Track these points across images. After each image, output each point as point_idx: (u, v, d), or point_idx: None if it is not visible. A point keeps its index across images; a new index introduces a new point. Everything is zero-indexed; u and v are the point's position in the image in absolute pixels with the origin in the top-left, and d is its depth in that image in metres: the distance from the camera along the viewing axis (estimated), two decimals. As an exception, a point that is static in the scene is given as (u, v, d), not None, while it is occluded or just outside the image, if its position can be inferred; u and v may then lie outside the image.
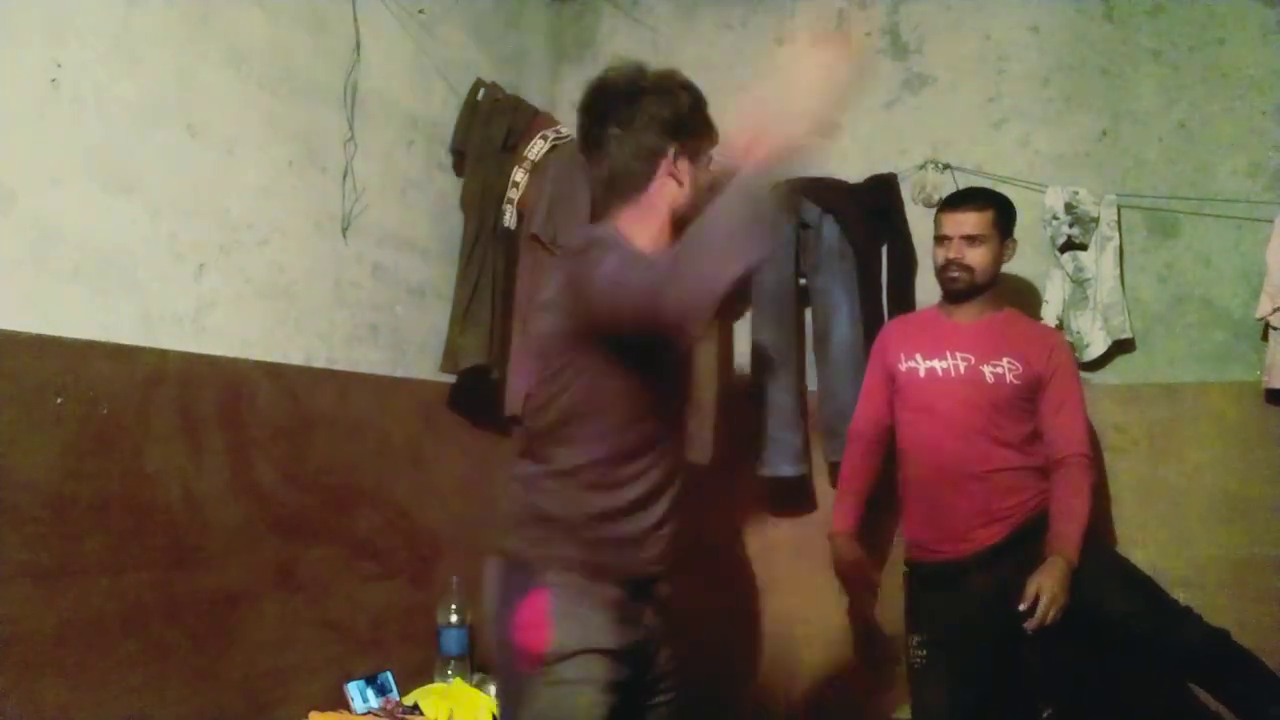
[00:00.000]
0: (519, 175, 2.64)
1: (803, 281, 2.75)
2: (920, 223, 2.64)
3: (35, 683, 1.54)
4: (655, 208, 1.55)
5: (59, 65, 1.62)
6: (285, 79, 2.10)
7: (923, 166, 2.75)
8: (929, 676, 2.20)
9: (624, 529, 1.50)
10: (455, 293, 2.54)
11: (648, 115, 1.54)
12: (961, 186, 2.60)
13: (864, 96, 2.86)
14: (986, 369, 2.19)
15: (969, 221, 2.22)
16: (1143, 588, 2.11)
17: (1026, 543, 2.11)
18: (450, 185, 2.65)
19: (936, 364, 2.25)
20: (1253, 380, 2.44)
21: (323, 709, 2.07)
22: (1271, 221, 2.40)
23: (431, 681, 2.35)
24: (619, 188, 1.56)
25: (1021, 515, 2.16)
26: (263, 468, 2.00)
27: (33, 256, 1.58)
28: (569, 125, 2.82)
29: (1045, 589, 1.99)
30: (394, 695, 2.22)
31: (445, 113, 2.63)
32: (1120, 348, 2.55)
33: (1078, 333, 2.53)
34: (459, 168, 2.66)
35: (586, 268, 1.42)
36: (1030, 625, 1.99)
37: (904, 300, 2.66)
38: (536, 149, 2.66)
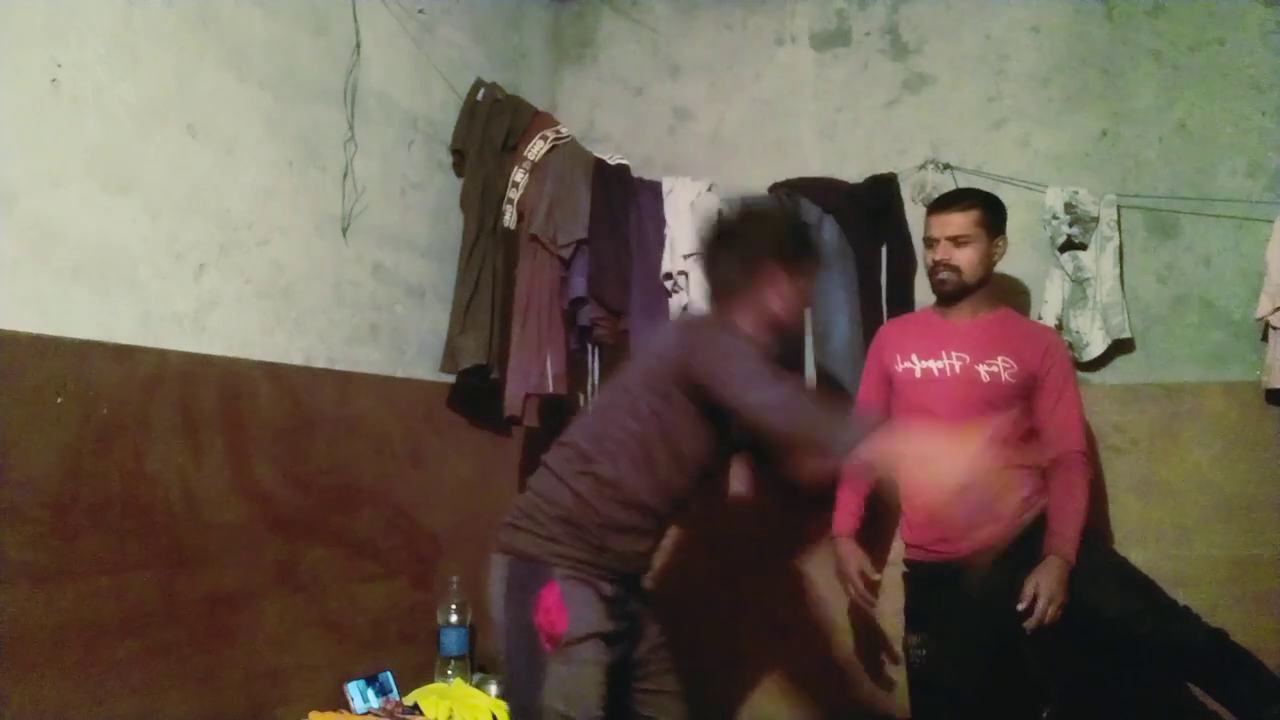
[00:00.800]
0: (519, 175, 2.64)
1: (803, 281, 2.75)
2: (920, 223, 2.62)
3: (35, 683, 1.54)
4: (757, 310, 1.85)
5: (59, 65, 1.62)
6: (285, 79, 2.10)
7: (923, 166, 2.75)
8: (929, 676, 2.20)
9: (627, 544, 1.76)
10: (455, 293, 2.54)
11: (752, 240, 1.86)
12: (961, 186, 2.60)
13: (864, 96, 2.87)
14: (982, 368, 2.20)
15: (954, 222, 2.22)
16: (1141, 588, 2.11)
17: (1025, 542, 2.12)
18: (450, 185, 2.66)
19: (932, 364, 2.25)
20: (1253, 380, 2.44)
21: (323, 709, 2.07)
22: (1271, 221, 2.40)
23: (431, 681, 2.35)
24: (727, 294, 1.87)
25: (1020, 514, 2.16)
26: (263, 468, 2.00)
27: (33, 256, 1.58)
28: (569, 125, 2.83)
29: (1043, 588, 2.00)
30: (394, 695, 2.22)
31: (445, 113, 2.64)
32: (1120, 348, 2.55)
33: (1077, 332, 2.53)
34: (459, 168, 2.66)
35: (705, 333, 1.79)
36: (1029, 624, 1.99)
37: (904, 300, 2.66)
38: (536, 149, 2.66)
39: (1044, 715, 2.28)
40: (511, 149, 2.66)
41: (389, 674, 2.25)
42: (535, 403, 2.56)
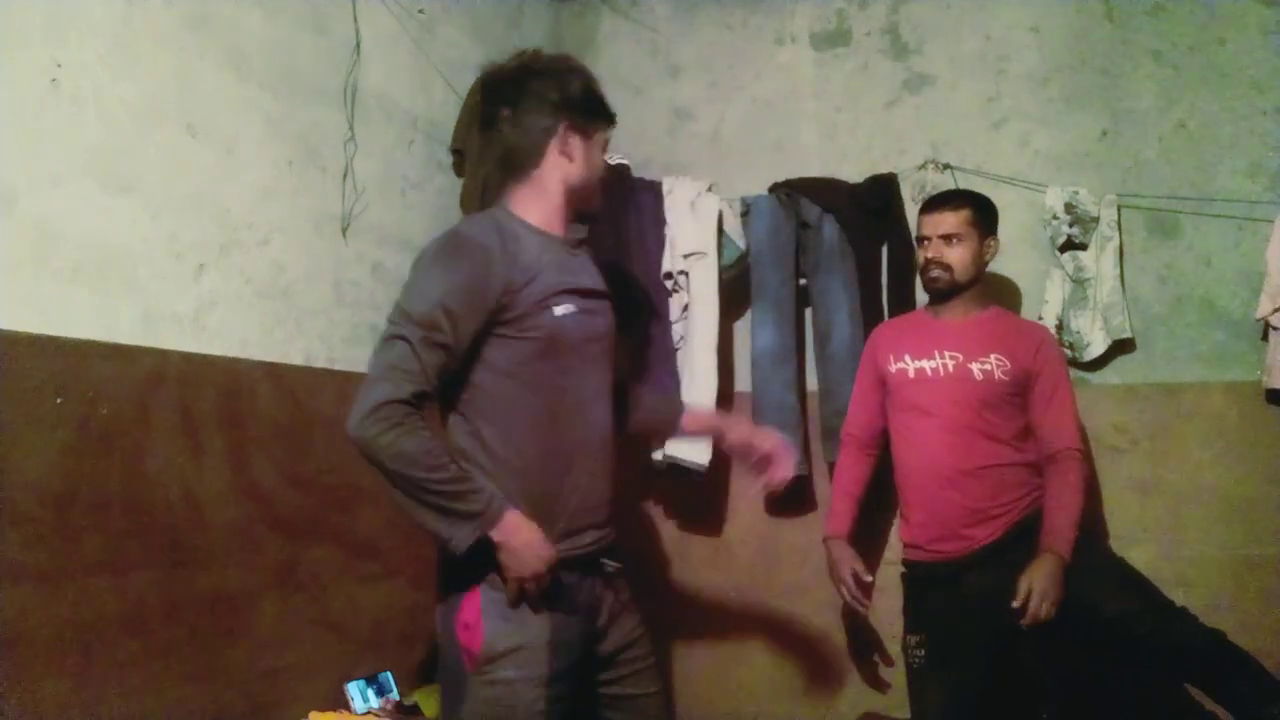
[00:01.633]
0: (519, 175, 2.64)
1: (803, 281, 2.75)
2: (920, 223, 2.64)
3: (35, 683, 1.54)
4: (547, 187, 1.60)
5: (59, 65, 1.62)
6: (285, 79, 2.10)
7: (923, 166, 2.75)
8: (928, 677, 2.20)
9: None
10: (455, 293, 2.54)
11: (536, 95, 1.59)
12: (961, 187, 2.60)
13: (864, 96, 2.87)
14: (975, 366, 2.20)
15: (945, 221, 2.25)
16: (1139, 588, 2.11)
17: (1023, 541, 2.12)
18: (450, 185, 2.66)
19: (925, 364, 2.26)
20: (1253, 380, 2.44)
21: (323, 709, 2.07)
22: (1271, 221, 2.39)
23: (431, 681, 2.35)
24: (511, 166, 1.61)
25: (1017, 512, 2.16)
26: (263, 468, 2.00)
27: (33, 256, 1.58)
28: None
29: (1036, 585, 2.00)
30: (394, 695, 2.22)
31: (445, 113, 2.64)
32: (1120, 348, 2.55)
33: (1078, 332, 2.53)
34: (459, 168, 2.66)
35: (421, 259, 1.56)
36: (1024, 622, 2.00)
37: (904, 300, 2.66)
38: (536, 149, 2.66)
39: (1043, 716, 2.28)
40: (511, 149, 2.66)
41: (389, 674, 2.25)
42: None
